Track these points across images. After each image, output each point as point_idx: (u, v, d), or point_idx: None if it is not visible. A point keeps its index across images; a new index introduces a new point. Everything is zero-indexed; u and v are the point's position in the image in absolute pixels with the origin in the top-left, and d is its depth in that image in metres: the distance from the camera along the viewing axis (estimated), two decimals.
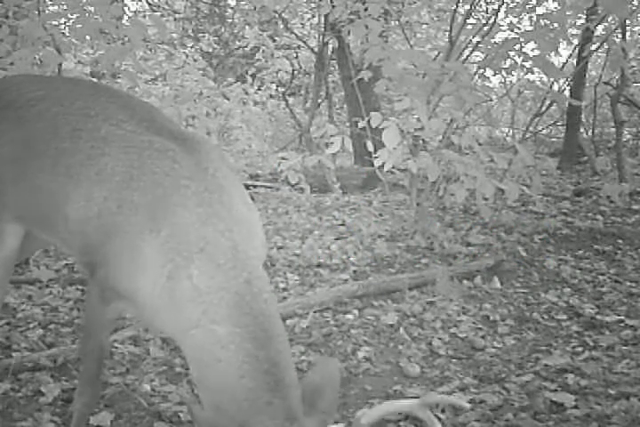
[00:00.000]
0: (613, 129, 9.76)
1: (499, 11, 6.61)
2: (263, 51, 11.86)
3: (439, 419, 1.76)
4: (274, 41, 11.88)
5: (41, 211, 2.42)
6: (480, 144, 5.85)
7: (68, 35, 6.17)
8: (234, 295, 1.94)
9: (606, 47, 7.24)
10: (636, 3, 6.37)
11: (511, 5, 6.82)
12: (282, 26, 11.39)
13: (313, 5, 10.62)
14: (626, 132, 10.91)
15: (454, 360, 3.66)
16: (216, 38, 13.11)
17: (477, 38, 6.35)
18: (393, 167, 5.29)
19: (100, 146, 2.23)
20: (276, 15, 10.43)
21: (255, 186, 8.63)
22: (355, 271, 5.00)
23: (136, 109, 2.40)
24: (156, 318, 2.08)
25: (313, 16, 11.76)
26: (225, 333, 1.89)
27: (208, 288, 1.95)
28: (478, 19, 8.47)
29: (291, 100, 12.81)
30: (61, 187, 2.29)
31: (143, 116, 2.35)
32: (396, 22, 7.63)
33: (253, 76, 12.60)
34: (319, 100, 11.16)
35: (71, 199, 2.24)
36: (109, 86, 3.25)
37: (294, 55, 12.45)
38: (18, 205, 2.48)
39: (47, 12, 6.82)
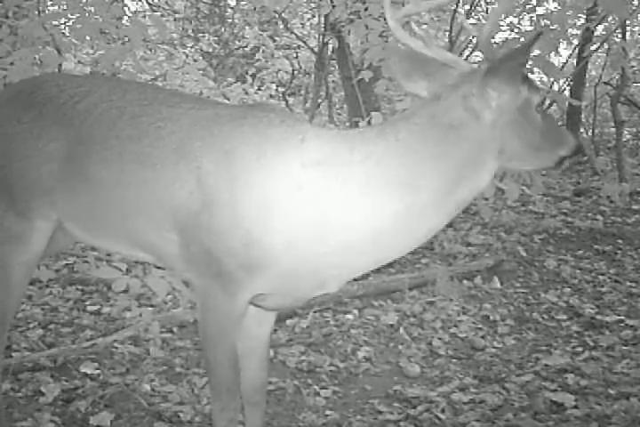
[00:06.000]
0: (613, 129, 9.75)
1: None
2: (263, 51, 11.85)
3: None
4: (274, 41, 11.87)
5: (105, 205, 2.28)
6: None
7: (68, 35, 6.15)
8: (370, 156, 2.05)
9: (606, 47, 7.24)
10: (636, 3, 6.36)
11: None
12: (282, 26, 11.38)
13: (313, 5, 10.61)
14: (626, 133, 10.88)
15: (454, 360, 3.66)
16: (216, 38, 13.08)
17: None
18: None
19: (166, 125, 2.19)
20: (276, 15, 10.42)
21: None
22: None
23: (185, 95, 2.50)
24: (315, 231, 2.03)
25: (313, 16, 11.75)
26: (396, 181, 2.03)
27: (341, 174, 2.04)
28: (478, 19, 8.46)
29: (291, 100, 12.77)
30: (132, 173, 2.19)
31: (193, 98, 2.44)
32: None
33: (253, 76, 12.58)
34: (319, 100, 11.14)
35: (160, 182, 2.15)
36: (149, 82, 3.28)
37: (294, 55, 12.43)
38: (70, 204, 2.33)
39: (47, 12, 6.82)
